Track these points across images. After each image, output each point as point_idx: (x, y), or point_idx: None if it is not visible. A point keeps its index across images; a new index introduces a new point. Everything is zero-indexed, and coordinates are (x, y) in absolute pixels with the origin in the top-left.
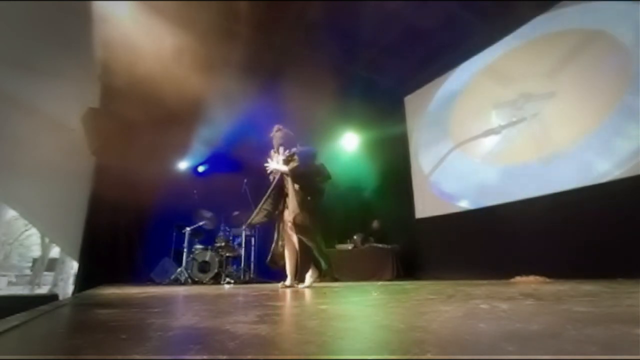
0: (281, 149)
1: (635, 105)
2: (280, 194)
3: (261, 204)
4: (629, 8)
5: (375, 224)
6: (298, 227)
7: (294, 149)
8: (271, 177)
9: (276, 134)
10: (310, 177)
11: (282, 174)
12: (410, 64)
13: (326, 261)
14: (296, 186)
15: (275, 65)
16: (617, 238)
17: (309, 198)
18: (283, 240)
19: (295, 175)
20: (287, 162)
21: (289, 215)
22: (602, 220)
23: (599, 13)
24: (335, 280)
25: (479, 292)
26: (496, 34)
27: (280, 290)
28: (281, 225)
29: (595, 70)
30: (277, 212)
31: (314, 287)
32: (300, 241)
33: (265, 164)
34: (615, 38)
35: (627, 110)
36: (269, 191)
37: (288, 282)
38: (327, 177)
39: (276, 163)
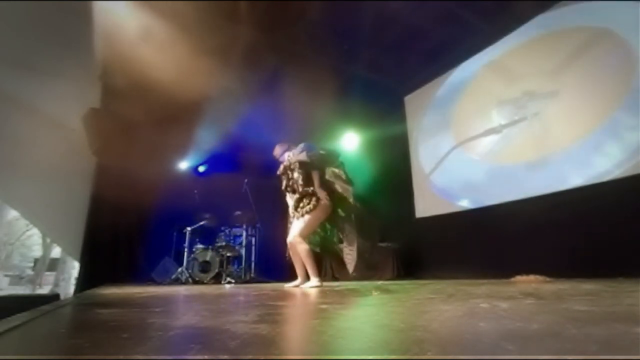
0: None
1: (636, 104)
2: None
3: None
4: (632, 6)
5: None
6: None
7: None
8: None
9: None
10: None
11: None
12: (410, 64)
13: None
14: (307, 208)
15: (275, 65)
16: (617, 237)
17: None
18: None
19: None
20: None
21: (290, 234)
22: (602, 219)
23: (603, 11)
24: (336, 279)
25: (479, 291)
26: (496, 33)
27: (286, 288)
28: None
29: (598, 69)
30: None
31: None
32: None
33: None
34: (619, 36)
35: (628, 109)
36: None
37: (296, 283)
38: (350, 182)
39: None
